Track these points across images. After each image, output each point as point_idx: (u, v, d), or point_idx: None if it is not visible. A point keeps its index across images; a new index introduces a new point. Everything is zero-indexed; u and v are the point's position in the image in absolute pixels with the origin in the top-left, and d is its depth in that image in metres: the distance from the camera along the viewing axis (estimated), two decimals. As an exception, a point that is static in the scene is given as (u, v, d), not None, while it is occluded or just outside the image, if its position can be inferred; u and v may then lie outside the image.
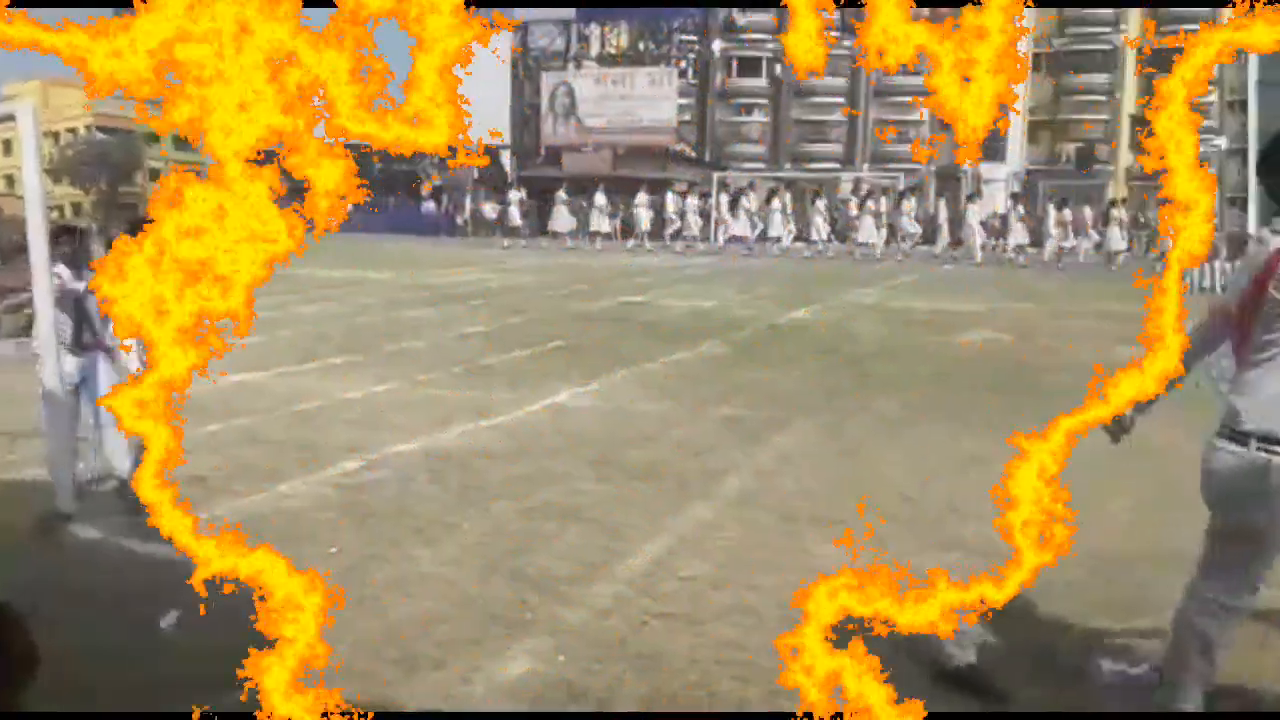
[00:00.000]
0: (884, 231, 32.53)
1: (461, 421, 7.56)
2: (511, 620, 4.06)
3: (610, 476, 6.20)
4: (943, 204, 34.13)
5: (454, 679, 3.58)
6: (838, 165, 57.23)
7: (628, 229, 35.20)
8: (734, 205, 33.53)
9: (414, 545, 4.92)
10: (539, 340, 11.91)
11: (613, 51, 49.73)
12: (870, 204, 32.45)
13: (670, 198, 36.12)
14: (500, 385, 9.13)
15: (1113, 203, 32.20)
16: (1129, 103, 57.92)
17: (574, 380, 9.38)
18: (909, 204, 33.63)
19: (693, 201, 35.83)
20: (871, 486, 6.13)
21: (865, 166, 56.35)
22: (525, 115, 46.44)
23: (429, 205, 45.77)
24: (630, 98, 44.56)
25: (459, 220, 43.47)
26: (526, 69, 46.97)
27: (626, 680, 3.59)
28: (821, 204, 33.94)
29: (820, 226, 32.69)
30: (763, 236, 32.75)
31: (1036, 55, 58.89)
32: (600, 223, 33.75)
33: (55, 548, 4.98)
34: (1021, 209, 32.34)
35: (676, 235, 34.54)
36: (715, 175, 41.77)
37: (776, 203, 33.22)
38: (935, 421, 8.01)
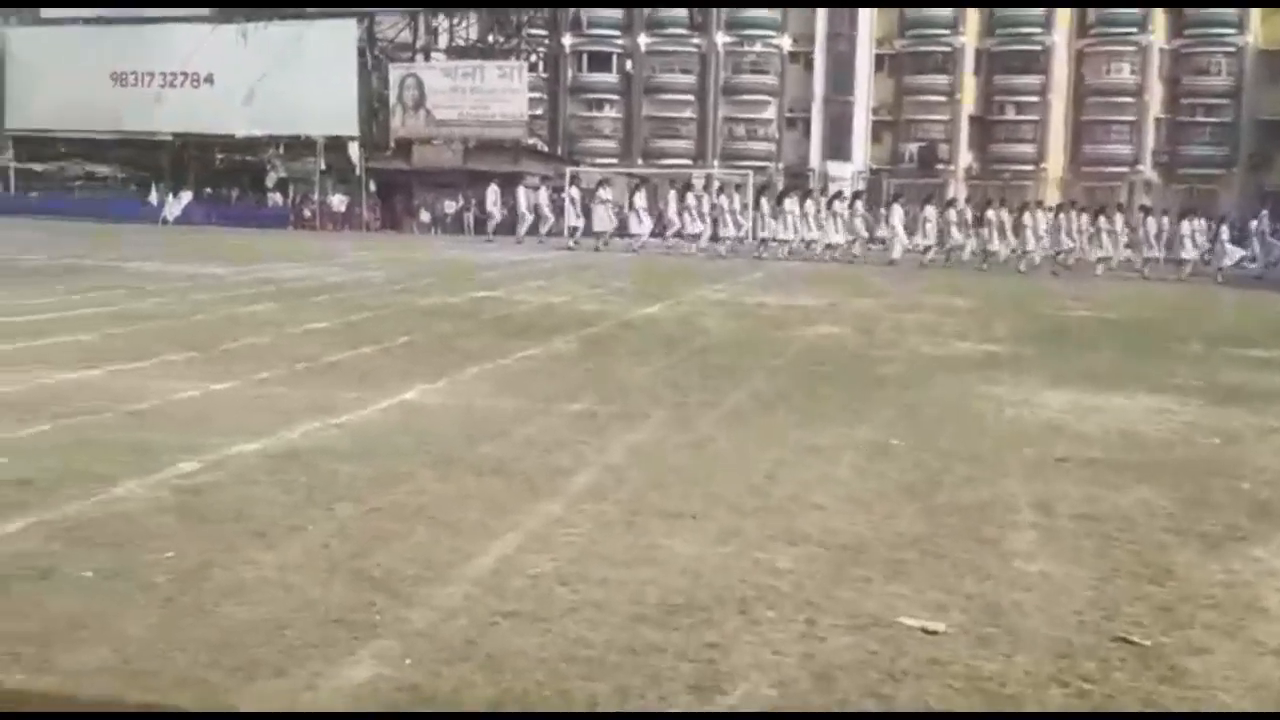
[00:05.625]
0: (744, 228, 33.30)
1: (305, 420, 7.35)
2: (356, 624, 3.98)
3: (458, 475, 6.13)
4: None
5: (296, 685, 3.50)
6: (689, 161, 57.89)
7: (480, 223, 34.98)
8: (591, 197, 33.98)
9: (254, 549, 4.78)
10: (386, 336, 11.71)
11: (462, 44, 49.39)
12: (726, 200, 33.25)
13: (522, 192, 36.09)
14: (346, 383, 8.95)
15: (950, 202, 33.37)
16: (968, 103, 59.93)
17: (422, 377, 9.25)
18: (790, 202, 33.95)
19: (545, 195, 35.92)
20: (720, 479, 6.20)
21: (716, 163, 57.10)
22: (374, 107, 45.68)
23: (275, 197, 44.81)
24: (480, 91, 44.20)
25: (306, 213, 42.68)
26: (374, 60, 46.25)
27: (475, 681, 3.55)
28: (691, 199, 33.81)
29: (695, 221, 32.98)
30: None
31: (879, 56, 60.54)
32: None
33: None
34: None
35: (533, 230, 34.46)
36: (568, 170, 41.87)
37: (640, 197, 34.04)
38: (779, 413, 8.17)
